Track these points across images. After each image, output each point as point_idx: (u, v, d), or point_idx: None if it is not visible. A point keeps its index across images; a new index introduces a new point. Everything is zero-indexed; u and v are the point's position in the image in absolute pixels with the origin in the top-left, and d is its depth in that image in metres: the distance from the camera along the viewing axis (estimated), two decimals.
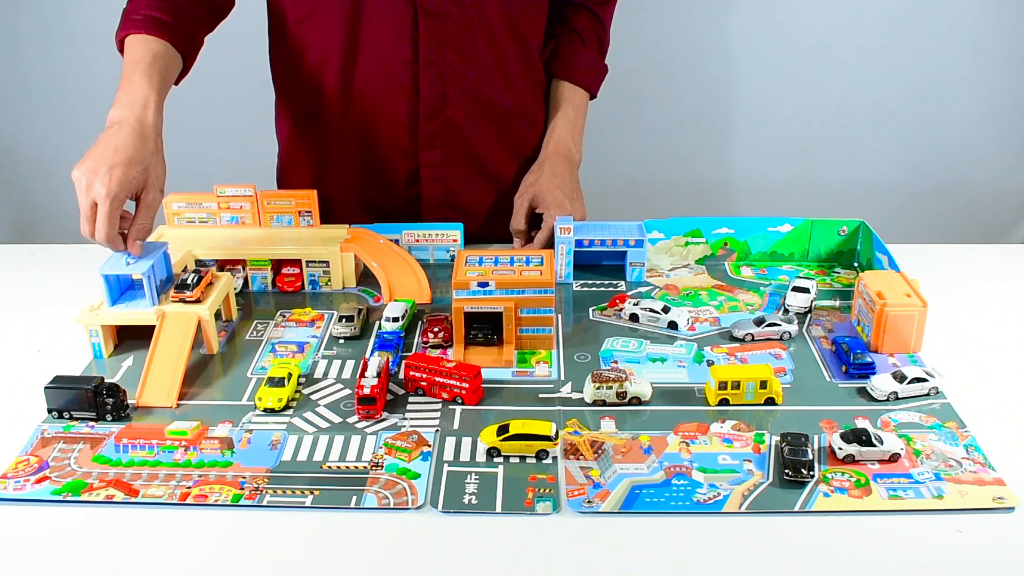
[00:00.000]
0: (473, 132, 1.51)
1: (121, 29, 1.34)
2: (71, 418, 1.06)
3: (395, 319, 1.24)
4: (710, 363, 1.16)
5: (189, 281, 1.19)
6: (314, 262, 1.37)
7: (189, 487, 0.95)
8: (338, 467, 0.98)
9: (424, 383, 1.10)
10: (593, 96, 1.61)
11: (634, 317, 1.27)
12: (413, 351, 1.21)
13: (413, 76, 1.44)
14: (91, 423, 1.05)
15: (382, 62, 1.43)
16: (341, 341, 1.23)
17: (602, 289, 1.38)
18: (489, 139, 1.53)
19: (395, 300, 1.29)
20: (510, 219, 1.49)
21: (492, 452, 0.99)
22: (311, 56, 1.46)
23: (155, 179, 1.21)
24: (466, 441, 1.02)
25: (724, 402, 1.07)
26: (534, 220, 1.48)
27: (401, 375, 1.12)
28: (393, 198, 1.55)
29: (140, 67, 1.27)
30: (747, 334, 1.22)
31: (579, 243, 1.38)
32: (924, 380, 1.09)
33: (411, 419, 1.06)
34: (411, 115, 1.47)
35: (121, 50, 1.35)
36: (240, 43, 1.57)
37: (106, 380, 1.07)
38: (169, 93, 1.32)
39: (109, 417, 1.06)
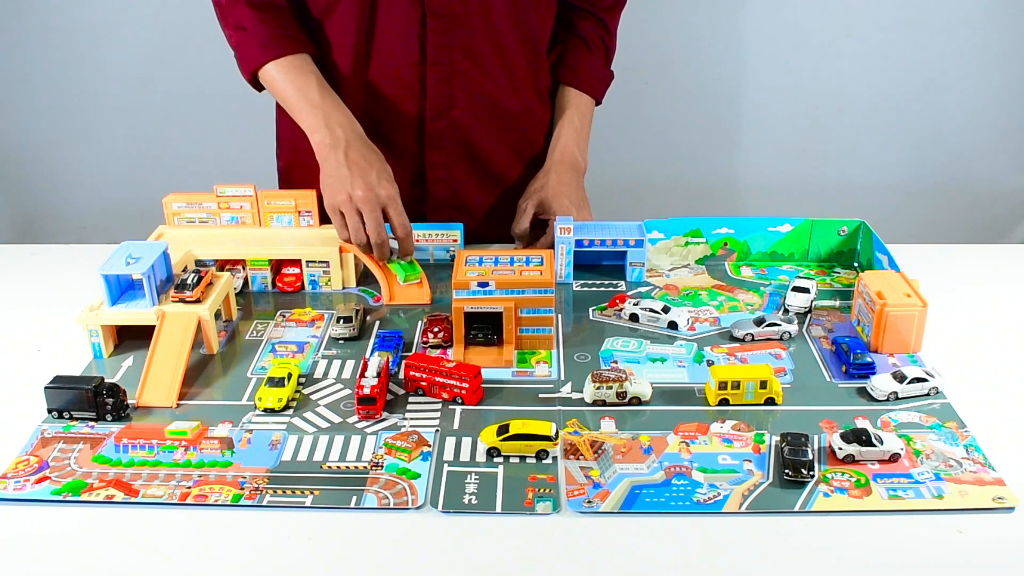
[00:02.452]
0: (479, 133, 1.51)
1: (249, 59, 1.38)
2: (71, 418, 1.06)
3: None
4: (710, 363, 1.16)
5: (189, 281, 1.19)
6: (314, 262, 1.37)
7: (189, 487, 0.95)
8: (338, 467, 0.98)
9: (424, 383, 1.10)
10: (598, 102, 1.61)
11: (634, 317, 1.27)
12: (413, 351, 1.21)
13: (420, 77, 1.44)
14: (91, 423, 1.05)
15: (390, 62, 1.43)
16: (340, 342, 1.23)
17: (602, 289, 1.38)
18: (495, 141, 1.53)
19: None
20: (512, 221, 1.49)
21: (492, 452, 0.99)
22: (322, 56, 1.46)
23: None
24: (466, 441, 1.02)
25: (724, 402, 1.07)
26: (537, 226, 1.48)
27: (401, 375, 1.12)
28: None
29: (313, 88, 1.35)
30: (747, 334, 1.22)
31: (579, 243, 1.38)
32: (924, 380, 1.09)
33: (411, 419, 1.06)
34: (417, 115, 1.47)
35: (253, 79, 1.40)
36: None
37: (106, 380, 1.07)
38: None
39: (109, 417, 1.06)
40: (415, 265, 1.38)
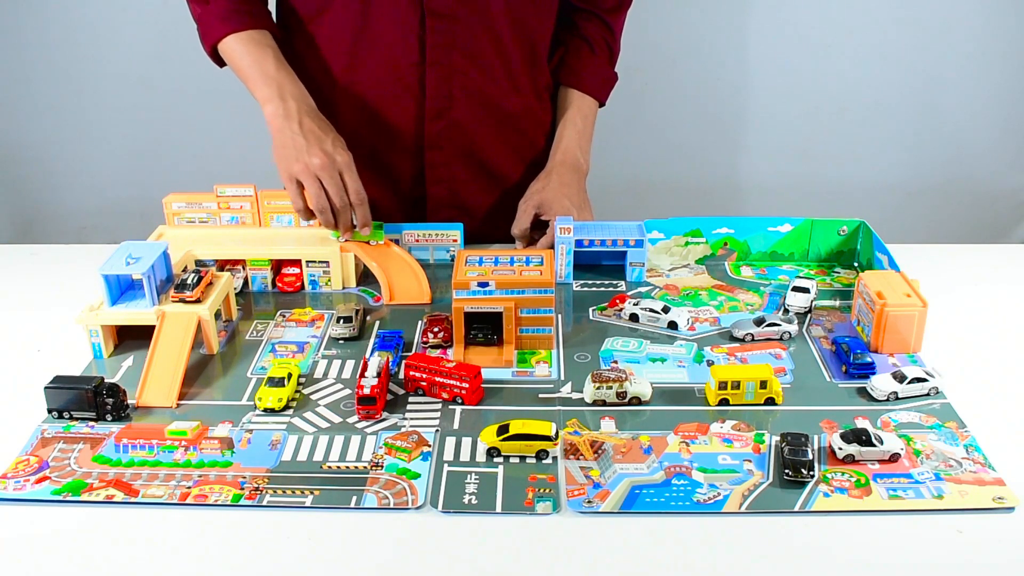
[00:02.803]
0: (479, 133, 1.51)
1: (210, 32, 1.40)
2: (71, 418, 1.06)
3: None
4: (710, 363, 1.16)
5: (189, 281, 1.19)
6: (314, 262, 1.37)
7: (189, 487, 0.95)
8: (338, 467, 0.98)
9: (424, 383, 1.10)
10: (602, 104, 1.61)
11: (634, 317, 1.27)
12: (413, 351, 1.21)
13: (419, 77, 1.44)
14: (91, 423, 1.05)
15: (389, 62, 1.43)
16: (340, 342, 1.23)
17: (602, 289, 1.38)
18: (494, 141, 1.53)
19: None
20: (513, 222, 1.49)
21: (492, 452, 0.99)
22: (318, 56, 1.46)
23: None
24: (466, 441, 1.02)
25: (724, 402, 1.07)
26: (538, 227, 1.48)
27: (401, 375, 1.12)
28: (398, 198, 1.55)
29: (269, 61, 1.36)
30: (747, 334, 1.22)
31: (579, 243, 1.38)
32: (924, 380, 1.09)
33: (411, 419, 1.06)
34: (417, 115, 1.47)
35: (213, 53, 1.42)
36: None
37: (106, 380, 1.07)
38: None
39: (109, 417, 1.06)
40: (379, 231, 1.39)
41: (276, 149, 1.34)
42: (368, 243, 1.38)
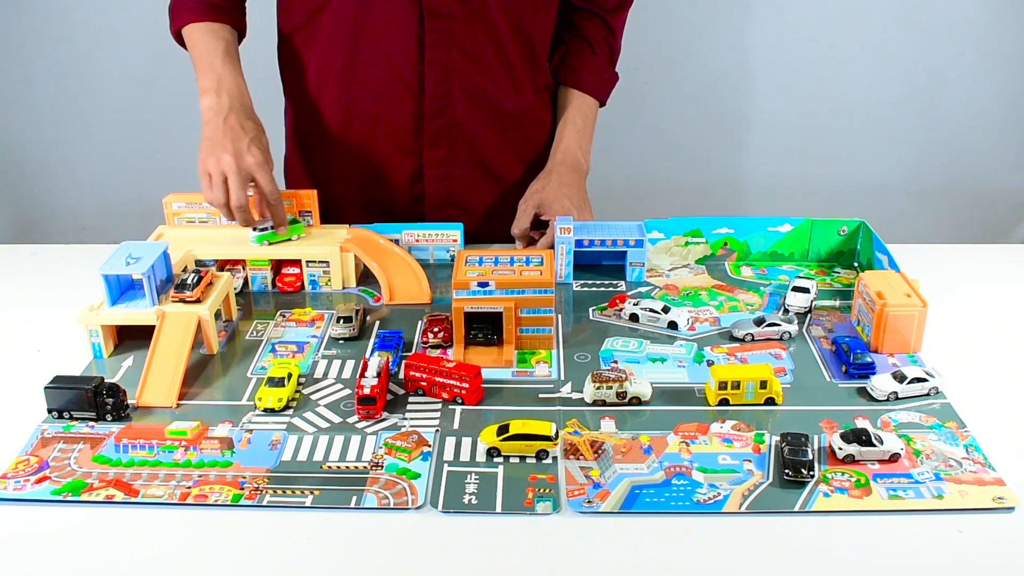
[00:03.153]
0: (478, 132, 1.51)
1: (177, 18, 1.43)
2: (71, 418, 1.06)
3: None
4: (710, 363, 1.16)
5: (189, 281, 1.19)
6: (314, 262, 1.37)
7: (189, 487, 0.95)
8: (338, 467, 0.98)
9: (424, 383, 1.10)
10: (602, 104, 1.61)
11: (634, 317, 1.27)
12: (413, 351, 1.21)
13: (418, 75, 1.44)
14: (91, 423, 1.05)
15: (387, 61, 1.44)
16: (340, 342, 1.23)
17: (602, 289, 1.38)
18: (494, 139, 1.53)
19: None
20: (513, 222, 1.49)
21: (492, 452, 0.99)
22: (317, 54, 1.47)
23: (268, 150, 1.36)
24: (466, 441, 1.02)
25: (724, 402, 1.07)
26: (537, 226, 1.48)
27: (401, 375, 1.12)
28: (397, 197, 1.55)
29: (217, 54, 1.38)
30: (747, 334, 1.22)
31: (579, 243, 1.38)
32: (924, 380, 1.09)
33: (411, 419, 1.06)
34: (416, 114, 1.47)
35: (178, 39, 1.45)
36: (244, 42, 1.57)
37: (106, 380, 1.07)
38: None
39: (109, 417, 1.06)
40: (297, 224, 1.40)
41: (201, 141, 1.35)
42: (290, 239, 1.38)
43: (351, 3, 1.40)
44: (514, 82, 1.50)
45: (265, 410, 1.07)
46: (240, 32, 1.47)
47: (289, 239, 1.39)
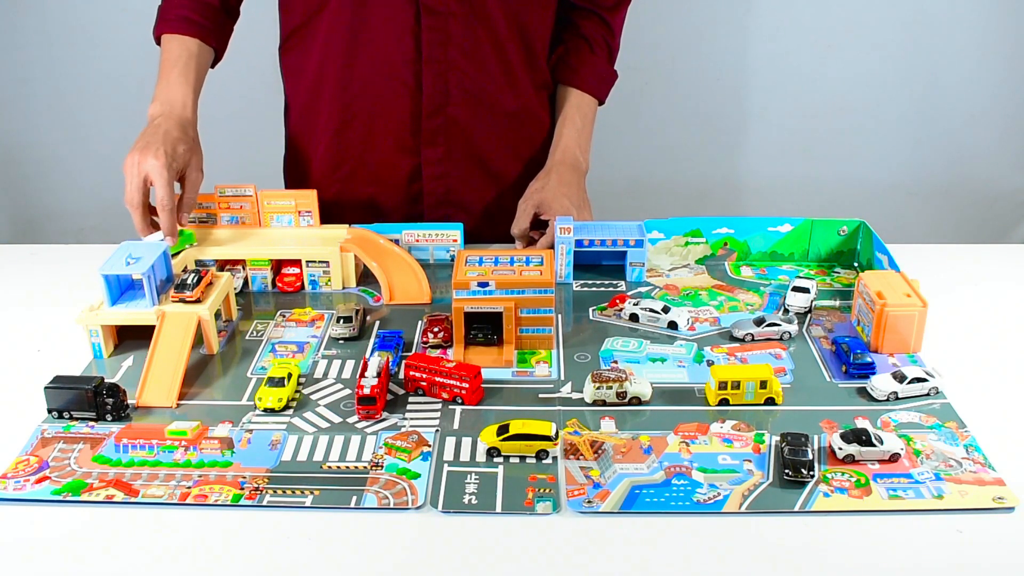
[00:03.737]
0: (476, 130, 1.51)
1: (157, 26, 1.47)
2: (71, 418, 1.06)
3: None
4: (710, 363, 1.16)
5: (189, 281, 1.19)
6: (314, 262, 1.37)
7: (189, 487, 0.95)
8: (338, 467, 0.98)
9: (424, 383, 1.10)
10: (601, 103, 1.61)
11: (634, 317, 1.27)
12: (413, 351, 1.21)
13: (416, 73, 1.44)
14: (91, 423, 1.05)
15: (385, 59, 1.44)
16: (340, 342, 1.23)
17: (602, 289, 1.38)
18: (492, 137, 1.53)
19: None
20: (511, 221, 1.49)
21: (492, 452, 0.99)
22: (315, 53, 1.47)
23: (197, 160, 1.37)
24: (466, 441, 1.02)
25: (724, 402, 1.07)
26: (537, 226, 1.48)
27: (401, 375, 1.12)
28: (396, 196, 1.55)
29: (177, 67, 1.42)
30: (747, 334, 1.22)
31: (579, 243, 1.38)
32: (924, 380, 1.09)
33: (411, 419, 1.06)
34: (414, 112, 1.47)
35: (157, 42, 1.47)
36: (244, 43, 1.58)
37: (106, 380, 1.07)
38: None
39: (109, 417, 1.06)
40: (189, 234, 1.39)
41: None
42: (180, 251, 1.35)
43: (349, 3, 1.40)
44: (512, 80, 1.50)
45: (265, 410, 1.07)
46: (216, 51, 1.49)
47: (177, 253, 1.35)
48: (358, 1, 1.40)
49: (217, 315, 1.24)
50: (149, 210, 1.34)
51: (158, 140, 1.32)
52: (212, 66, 1.50)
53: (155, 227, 1.34)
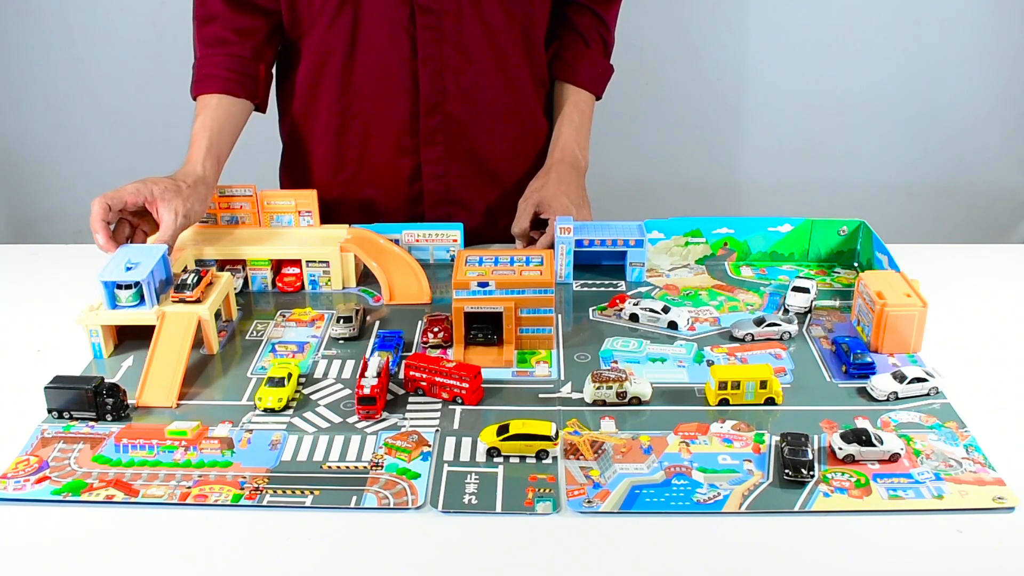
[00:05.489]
0: (474, 128, 1.51)
1: (196, 85, 1.47)
2: (71, 418, 1.06)
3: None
4: (710, 363, 1.16)
5: (189, 281, 1.19)
6: (314, 262, 1.37)
7: (189, 487, 0.95)
8: (338, 467, 0.98)
9: (424, 383, 1.10)
10: (598, 98, 1.61)
11: (634, 317, 1.27)
12: (413, 351, 1.21)
13: (412, 72, 1.44)
14: (91, 423, 1.05)
15: (381, 59, 1.44)
16: (340, 342, 1.23)
17: (602, 289, 1.38)
18: (490, 135, 1.53)
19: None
20: (512, 218, 1.49)
21: (492, 452, 0.99)
22: (312, 55, 1.46)
23: (178, 204, 1.30)
24: (466, 441, 1.02)
25: (724, 402, 1.07)
26: (537, 225, 1.48)
27: (401, 375, 1.12)
28: (395, 195, 1.55)
29: (194, 128, 1.43)
30: (747, 334, 1.22)
31: (579, 243, 1.38)
32: (924, 380, 1.09)
33: (411, 419, 1.06)
34: (412, 112, 1.47)
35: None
36: None
37: (106, 380, 1.07)
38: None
39: (109, 417, 1.06)
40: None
41: None
42: None
43: (346, 8, 1.40)
44: (509, 77, 1.50)
45: (265, 410, 1.07)
46: (257, 101, 1.48)
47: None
48: (355, 5, 1.40)
49: (217, 315, 1.24)
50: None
51: (129, 185, 1.30)
52: (259, 109, 1.50)
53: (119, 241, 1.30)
